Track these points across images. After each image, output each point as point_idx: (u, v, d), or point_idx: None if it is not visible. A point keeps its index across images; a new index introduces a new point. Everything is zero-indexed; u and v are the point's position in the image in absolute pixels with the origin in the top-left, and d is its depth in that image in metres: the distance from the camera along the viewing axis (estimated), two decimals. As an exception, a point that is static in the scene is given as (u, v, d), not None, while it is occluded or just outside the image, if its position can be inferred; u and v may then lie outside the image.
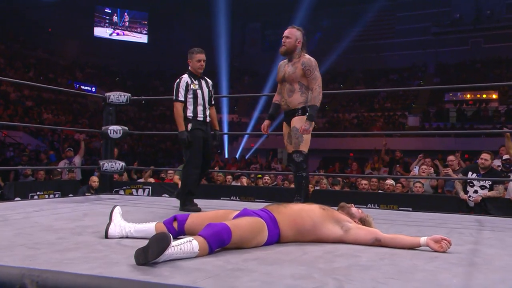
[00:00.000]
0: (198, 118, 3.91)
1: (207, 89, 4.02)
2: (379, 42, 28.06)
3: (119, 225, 2.42)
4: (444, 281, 1.79)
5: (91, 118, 20.15)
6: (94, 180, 6.86)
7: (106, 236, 2.38)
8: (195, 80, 3.98)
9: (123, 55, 27.94)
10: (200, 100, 3.91)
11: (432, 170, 6.62)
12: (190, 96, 3.90)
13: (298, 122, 3.41)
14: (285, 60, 3.61)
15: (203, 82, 4.02)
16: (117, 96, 5.17)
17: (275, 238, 2.37)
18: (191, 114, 3.90)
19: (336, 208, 2.64)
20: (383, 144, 9.55)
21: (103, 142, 5.35)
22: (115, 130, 5.13)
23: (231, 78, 23.99)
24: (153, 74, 28.69)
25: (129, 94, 5.24)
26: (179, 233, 2.36)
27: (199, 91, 3.92)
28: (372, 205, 5.50)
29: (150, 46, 29.50)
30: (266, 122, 3.72)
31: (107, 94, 5.23)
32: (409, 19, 27.63)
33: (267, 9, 28.57)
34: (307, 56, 3.49)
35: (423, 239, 2.36)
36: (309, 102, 3.40)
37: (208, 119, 4.00)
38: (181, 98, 3.90)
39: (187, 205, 3.87)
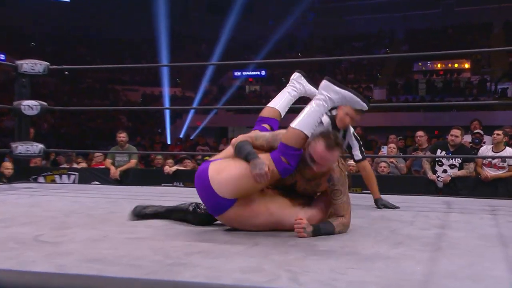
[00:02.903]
0: None
1: None
2: (342, 5, 28.42)
3: None
4: (407, 269, 1.87)
5: (0, 92, 19.26)
6: (7, 166, 6.60)
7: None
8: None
9: (40, 16, 26.71)
10: None
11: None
12: None
13: None
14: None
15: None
16: (32, 65, 4.96)
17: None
18: None
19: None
20: None
21: (16, 120, 5.13)
22: (30, 105, 4.93)
23: (172, 45, 23.58)
24: (78, 39, 27.66)
25: (47, 63, 5.04)
26: None
27: None
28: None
29: (73, 5, 28.35)
30: None
31: (19, 62, 5.00)
32: (375, -22, 28.12)
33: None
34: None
35: None
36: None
37: None
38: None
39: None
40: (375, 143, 10.71)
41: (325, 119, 3.64)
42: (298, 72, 3.33)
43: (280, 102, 3.21)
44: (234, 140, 2.59)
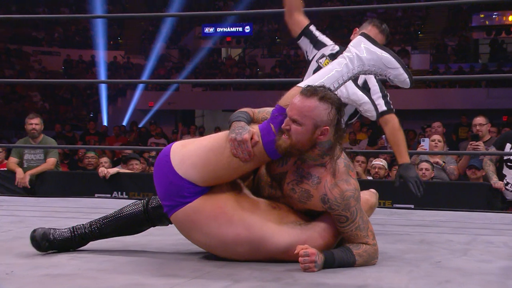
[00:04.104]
0: None
1: None
2: None
3: None
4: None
5: None
6: None
7: None
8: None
9: None
10: None
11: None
12: None
13: None
14: None
15: None
16: None
17: None
18: None
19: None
20: None
21: None
22: None
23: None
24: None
25: None
26: None
27: None
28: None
29: None
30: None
31: None
32: None
33: None
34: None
35: None
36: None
37: None
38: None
39: None
40: (413, 134, 10.73)
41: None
42: (362, 35, 3.01)
43: (316, 79, 2.81)
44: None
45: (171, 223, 2.70)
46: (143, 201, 2.79)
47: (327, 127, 2.49)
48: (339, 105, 2.53)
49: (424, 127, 10.65)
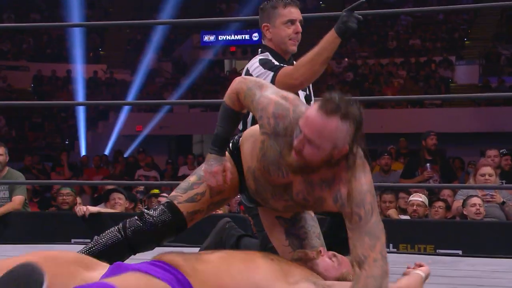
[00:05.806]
0: None
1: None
2: None
3: None
4: None
5: None
6: None
7: None
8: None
9: None
10: None
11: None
12: None
13: None
14: None
15: None
16: None
17: None
18: None
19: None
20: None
21: None
22: None
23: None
24: None
25: None
26: None
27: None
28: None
29: None
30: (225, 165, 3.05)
31: None
32: None
33: None
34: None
35: None
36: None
37: None
38: None
39: None
40: (459, 163, 10.68)
41: None
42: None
43: None
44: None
45: (158, 246, 2.82)
46: (118, 227, 2.86)
47: (347, 146, 2.55)
48: (360, 121, 2.56)
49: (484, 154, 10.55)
